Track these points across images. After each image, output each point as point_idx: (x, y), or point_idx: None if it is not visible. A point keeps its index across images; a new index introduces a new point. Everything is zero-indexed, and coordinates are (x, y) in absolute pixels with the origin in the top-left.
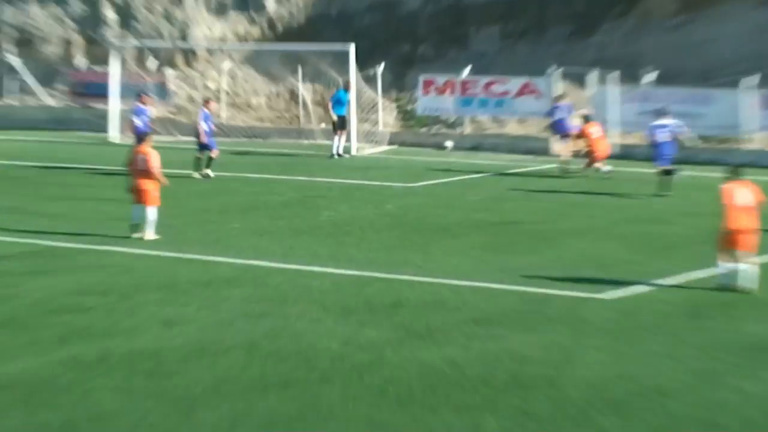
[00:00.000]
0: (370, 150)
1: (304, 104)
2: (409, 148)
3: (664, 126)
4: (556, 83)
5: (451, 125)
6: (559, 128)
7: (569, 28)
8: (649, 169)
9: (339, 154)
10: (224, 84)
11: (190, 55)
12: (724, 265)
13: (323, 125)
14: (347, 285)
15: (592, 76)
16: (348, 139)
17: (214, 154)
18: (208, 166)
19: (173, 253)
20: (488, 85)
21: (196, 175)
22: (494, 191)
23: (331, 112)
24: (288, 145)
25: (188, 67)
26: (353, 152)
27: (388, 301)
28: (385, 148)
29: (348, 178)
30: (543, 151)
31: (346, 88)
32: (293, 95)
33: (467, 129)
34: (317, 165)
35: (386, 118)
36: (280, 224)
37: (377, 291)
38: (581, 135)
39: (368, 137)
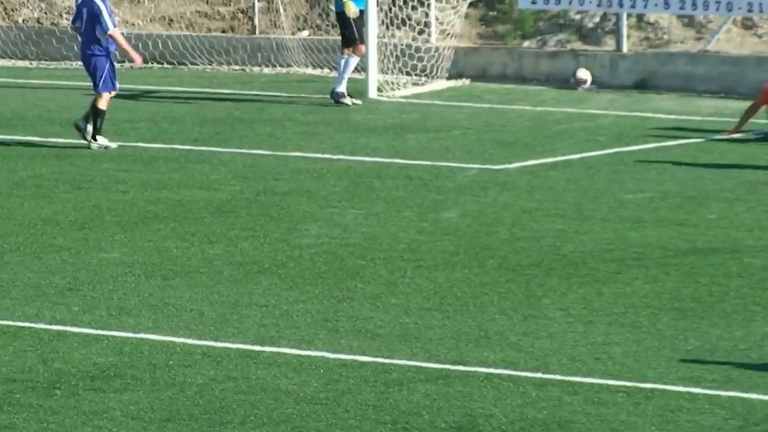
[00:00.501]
0: (409, 90)
1: None
2: (496, 84)
3: None
4: None
5: (591, 34)
6: None
7: None
8: None
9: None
10: None
11: None
12: None
13: (305, 33)
14: (360, 387)
15: None
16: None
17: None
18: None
19: None
20: None
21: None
22: (683, 182)
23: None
24: (230, 79)
25: None
26: (371, 94)
27: (453, 420)
28: (444, 84)
29: (360, 153)
30: None
31: None
32: None
33: (628, 41)
34: (292, 123)
35: (445, 16)
36: (210, 253)
37: (427, 401)
38: None
39: (405, 62)
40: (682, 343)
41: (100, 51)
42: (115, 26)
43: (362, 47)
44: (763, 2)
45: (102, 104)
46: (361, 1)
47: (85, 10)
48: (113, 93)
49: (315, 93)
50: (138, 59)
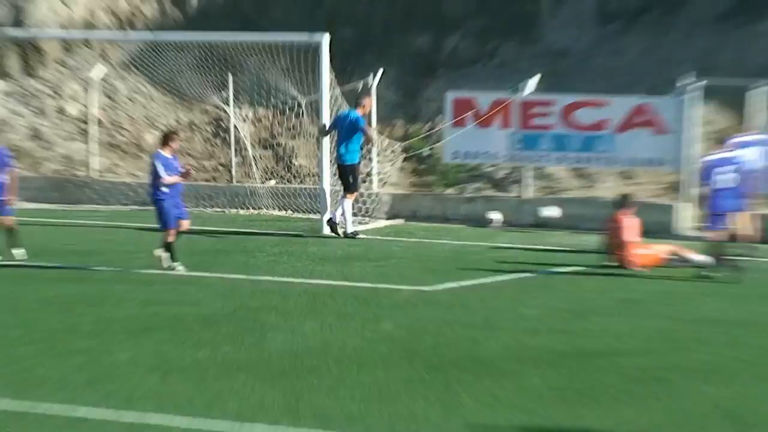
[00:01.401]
0: (357, 227)
1: (240, 146)
2: (425, 223)
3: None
4: (693, 106)
5: (501, 182)
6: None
7: (722, 4)
8: None
9: (351, 233)
10: (94, 107)
11: (31, 53)
12: None
13: (272, 182)
14: None
15: (760, 93)
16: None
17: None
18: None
19: (15, 406)
20: (570, 109)
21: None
22: (570, 300)
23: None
24: (213, 219)
25: (29, 75)
26: (324, 231)
27: None
28: (383, 223)
29: (316, 277)
30: (663, 229)
31: (357, 105)
32: (220, 128)
33: (529, 190)
34: (262, 253)
35: (386, 168)
36: (198, 356)
37: None
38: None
39: (354, 204)
40: (567, 425)
41: (162, 195)
42: (168, 175)
43: (356, 194)
44: (635, 158)
45: (169, 238)
46: (355, 155)
47: (151, 168)
48: (182, 225)
49: (280, 230)
50: (186, 176)
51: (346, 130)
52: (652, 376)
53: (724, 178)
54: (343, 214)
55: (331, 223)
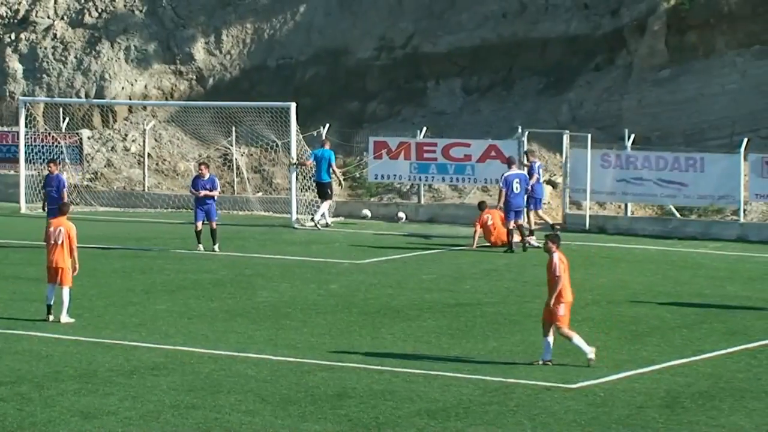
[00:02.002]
0: (311, 224)
1: (239, 170)
2: (357, 220)
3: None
4: (524, 146)
5: (405, 194)
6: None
7: (541, 82)
8: (624, 245)
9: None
10: (147, 146)
11: (108, 113)
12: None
13: (260, 193)
14: (287, 373)
15: (566, 138)
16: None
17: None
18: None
19: (92, 338)
20: (448, 148)
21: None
22: (452, 269)
23: (338, 174)
24: (221, 217)
25: (106, 127)
26: (293, 225)
27: (332, 391)
28: (330, 220)
29: (288, 255)
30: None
31: (324, 145)
32: (226, 160)
33: (423, 198)
34: (253, 239)
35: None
36: (211, 306)
37: (320, 380)
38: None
39: (310, 207)
40: (456, 350)
41: (211, 201)
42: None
43: (330, 201)
44: (490, 179)
45: (197, 228)
46: (326, 175)
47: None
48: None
49: (265, 224)
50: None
51: (324, 161)
52: (508, 320)
53: (517, 186)
54: (322, 213)
55: (314, 220)
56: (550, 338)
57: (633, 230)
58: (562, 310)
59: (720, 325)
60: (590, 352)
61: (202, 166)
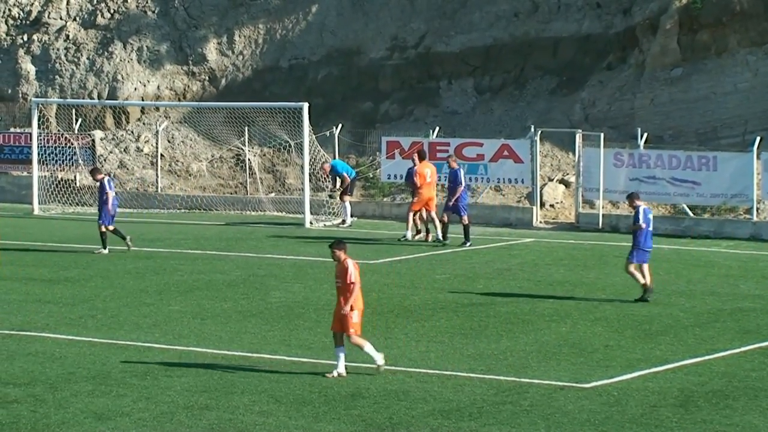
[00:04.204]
0: (326, 222)
1: (251, 171)
2: (370, 220)
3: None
4: (537, 145)
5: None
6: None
7: (553, 81)
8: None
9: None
10: (160, 147)
11: (120, 114)
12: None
13: (272, 194)
14: (301, 373)
15: (579, 138)
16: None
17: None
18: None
19: (106, 339)
20: (460, 147)
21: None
22: (465, 269)
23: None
24: (233, 217)
25: (119, 128)
26: (306, 225)
27: (346, 391)
28: (341, 219)
29: (301, 255)
30: (522, 224)
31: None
32: (239, 160)
33: (436, 198)
34: (266, 239)
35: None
36: (225, 306)
37: (334, 381)
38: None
39: (324, 208)
40: (469, 349)
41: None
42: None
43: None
44: (502, 178)
45: None
46: (352, 171)
47: None
48: None
49: (277, 224)
50: None
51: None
52: (520, 319)
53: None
54: (342, 213)
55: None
56: (344, 348)
57: None
58: (356, 317)
59: (733, 324)
60: (379, 358)
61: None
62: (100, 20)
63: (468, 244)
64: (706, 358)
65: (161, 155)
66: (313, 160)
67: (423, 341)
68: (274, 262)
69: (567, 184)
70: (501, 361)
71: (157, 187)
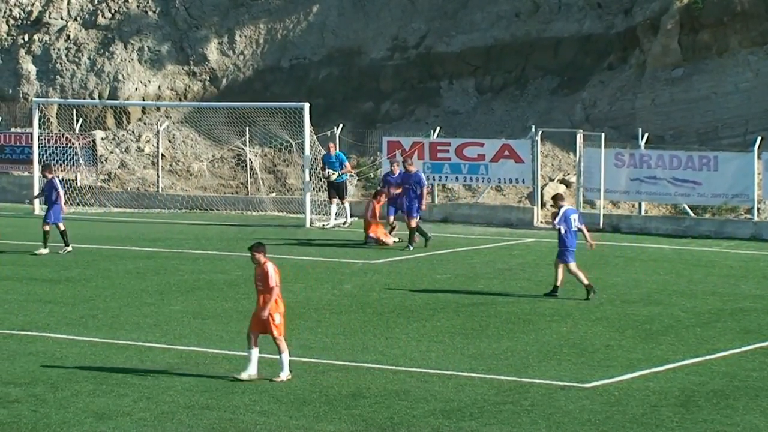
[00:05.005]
0: (321, 224)
1: (252, 171)
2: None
3: None
4: (538, 145)
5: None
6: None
7: (554, 81)
8: (638, 244)
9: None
10: (161, 147)
11: (121, 114)
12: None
13: (273, 194)
14: (301, 373)
15: (580, 138)
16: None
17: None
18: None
19: (107, 339)
20: (461, 147)
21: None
22: (466, 269)
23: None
24: (234, 217)
25: (120, 128)
26: (306, 225)
27: (346, 391)
28: (343, 220)
29: (302, 255)
30: (523, 224)
31: (329, 151)
32: (240, 160)
33: (437, 198)
34: (266, 240)
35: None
36: (226, 306)
37: (335, 380)
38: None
39: (324, 208)
40: (470, 349)
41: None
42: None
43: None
44: (503, 178)
45: None
46: (343, 175)
47: None
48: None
49: (278, 225)
50: None
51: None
52: (522, 319)
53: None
54: (343, 213)
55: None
56: (257, 350)
57: (647, 229)
58: (279, 319)
59: (734, 324)
60: (284, 375)
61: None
62: (100, 20)
63: (410, 247)
64: (707, 357)
65: (162, 155)
66: (314, 159)
67: (424, 341)
68: (276, 261)
69: (568, 184)
70: (502, 361)
71: (158, 187)
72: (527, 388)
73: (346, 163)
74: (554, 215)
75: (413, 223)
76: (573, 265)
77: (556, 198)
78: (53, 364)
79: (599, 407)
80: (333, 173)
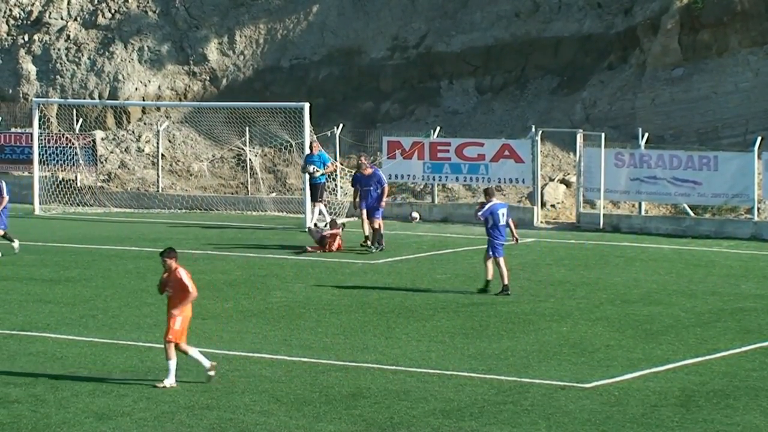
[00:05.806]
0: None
1: (252, 171)
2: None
3: None
4: (538, 145)
5: (419, 194)
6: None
7: (554, 81)
8: (638, 244)
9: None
10: (161, 147)
11: (121, 114)
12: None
13: (274, 194)
14: (301, 373)
15: (580, 138)
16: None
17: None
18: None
19: (107, 339)
20: (461, 147)
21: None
22: (466, 269)
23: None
24: (234, 217)
25: (120, 128)
26: (307, 224)
27: (346, 391)
28: (343, 220)
29: (302, 255)
30: (522, 224)
31: (311, 151)
32: (240, 160)
33: (437, 198)
34: (268, 240)
35: (345, 185)
36: (226, 306)
37: (335, 380)
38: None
39: (325, 208)
40: (470, 349)
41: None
42: None
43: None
44: (503, 178)
45: None
46: (323, 176)
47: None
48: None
49: (278, 225)
50: None
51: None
52: (522, 319)
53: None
54: (320, 213)
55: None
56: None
57: (647, 229)
58: (179, 324)
59: (734, 324)
60: (168, 382)
61: None
62: (101, 20)
63: (379, 248)
64: (707, 357)
65: (162, 155)
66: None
67: (424, 341)
68: (275, 262)
69: (568, 184)
70: (502, 361)
71: (158, 187)
72: (527, 388)
73: (328, 164)
74: (479, 207)
75: (377, 224)
76: (501, 260)
77: (487, 192)
78: (53, 364)
79: (599, 407)
80: (317, 170)
